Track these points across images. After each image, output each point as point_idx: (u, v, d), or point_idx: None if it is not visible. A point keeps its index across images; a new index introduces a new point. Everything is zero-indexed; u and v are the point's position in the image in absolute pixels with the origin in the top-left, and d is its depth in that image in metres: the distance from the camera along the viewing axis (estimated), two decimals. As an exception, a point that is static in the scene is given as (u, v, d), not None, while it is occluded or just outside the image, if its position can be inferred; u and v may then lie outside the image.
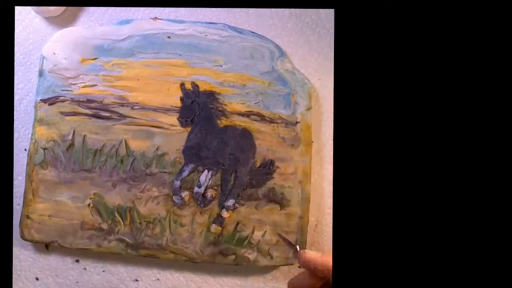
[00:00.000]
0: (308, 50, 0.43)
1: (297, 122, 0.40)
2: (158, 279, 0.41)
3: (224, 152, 0.39)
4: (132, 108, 0.39)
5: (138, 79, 0.40)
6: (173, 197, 0.39)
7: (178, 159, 0.39)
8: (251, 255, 0.39)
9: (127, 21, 0.41)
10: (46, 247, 0.40)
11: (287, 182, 0.40)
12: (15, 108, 0.41)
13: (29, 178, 0.38)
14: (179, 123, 0.39)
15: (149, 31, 0.40)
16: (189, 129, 0.39)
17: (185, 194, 0.39)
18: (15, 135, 0.41)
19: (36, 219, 0.38)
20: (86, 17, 0.42)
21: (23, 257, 0.40)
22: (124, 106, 0.39)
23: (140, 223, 0.38)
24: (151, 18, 0.41)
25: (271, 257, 0.39)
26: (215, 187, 0.39)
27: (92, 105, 0.39)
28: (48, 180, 0.38)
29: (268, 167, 0.40)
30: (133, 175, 0.39)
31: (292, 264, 0.40)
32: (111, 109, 0.39)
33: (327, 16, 0.43)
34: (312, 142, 0.41)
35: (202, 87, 0.40)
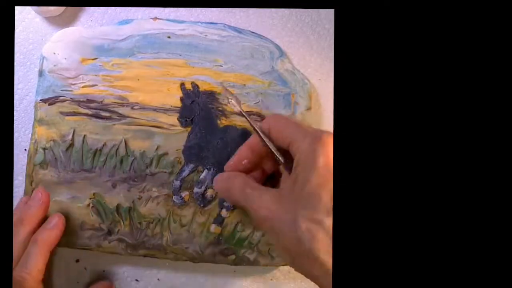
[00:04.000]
0: (308, 50, 0.43)
1: (297, 122, 0.40)
2: (158, 279, 0.41)
3: (224, 152, 0.39)
4: (132, 108, 0.39)
5: (138, 79, 0.40)
6: (173, 197, 0.39)
7: (178, 159, 0.39)
8: (251, 255, 0.39)
9: (127, 21, 0.41)
10: (46, 247, 0.40)
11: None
12: (15, 108, 0.41)
13: (29, 178, 0.38)
14: (179, 123, 0.39)
15: (149, 31, 0.40)
16: (189, 129, 0.39)
17: (185, 194, 0.39)
18: (15, 135, 0.41)
19: (36, 219, 0.38)
20: (86, 17, 0.42)
21: (23, 257, 0.40)
22: (124, 106, 0.39)
23: (140, 223, 0.38)
24: (151, 18, 0.41)
25: (271, 257, 0.39)
26: (215, 187, 0.39)
27: (92, 105, 0.39)
28: (48, 180, 0.38)
29: (268, 167, 0.40)
30: (133, 175, 0.39)
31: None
32: (111, 109, 0.39)
33: (327, 16, 0.43)
34: (312, 142, 0.41)
35: (202, 87, 0.40)
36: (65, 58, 0.40)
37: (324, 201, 0.26)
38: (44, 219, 0.37)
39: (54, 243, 0.35)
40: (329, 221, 0.26)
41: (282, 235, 0.28)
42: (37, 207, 0.36)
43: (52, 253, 0.39)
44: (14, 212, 0.37)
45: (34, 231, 0.35)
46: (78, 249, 0.38)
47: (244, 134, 0.40)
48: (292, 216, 0.27)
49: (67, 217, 0.38)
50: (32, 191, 0.38)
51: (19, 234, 0.35)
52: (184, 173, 0.39)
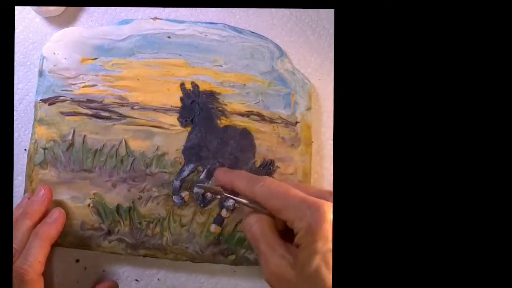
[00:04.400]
0: (308, 50, 0.43)
1: (297, 122, 0.40)
2: (158, 279, 0.41)
3: (224, 152, 0.39)
4: (132, 108, 0.39)
5: (138, 79, 0.40)
6: (173, 197, 0.39)
7: (178, 159, 0.39)
8: (251, 255, 0.39)
9: (127, 21, 0.41)
10: (46, 247, 0.40)
11: (287, 182, 0.39)
12: (15, 108, 0.41)
13: (29, 178, 0.38)
14: (179, 123, 0.39)
15: (149, 31, 0.40)
16: (189, 129, 0.39)
17: (185, 194, 0.39)
18: (15, 135, 0.41)
19: (36, 219, 0.38)
20: (86, 17, 0.42)
21: (23, 257, 0.40)
22: (124, 106, 0.39)
23: (140, 223, 0.38)
24: (151, 18, 0.41)
25: (271, 257, 0.39)
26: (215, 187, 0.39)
27: (92, 105, 0.39)
28: (48, 180, 0.38)
29: (268, 167, 0.40)
30: (133, 175, 0.39)
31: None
32: (111, 109, 0.39)
33: (327, 16, 0.43)
34: (312, 142, 0.41)
35: (202, 87, 0.40)
36: (65, 58, 0.40)
37: (325, 281, 0.26)
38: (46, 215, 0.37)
39: (55, 237, 0.36)
40: None
41: None
42: (39, 202, 0.36)
43: (52, 249, 0.39)
44: (16, 207, 0.37)
45: (36, 225, 0.36)
46: (78, 249, 0.38)
47: (244, 134, 0.40)
48: None
49: (67, 217, 0.38)
50: (32, 191, 0.38)
51: (21, 228, 0.35)
52: (184, 173, 0.39)
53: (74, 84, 0.39)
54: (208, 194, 0.39)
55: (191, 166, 0.39)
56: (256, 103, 0.40)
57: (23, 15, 0.42)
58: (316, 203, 0.28)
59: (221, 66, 0.40)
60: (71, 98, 0.39)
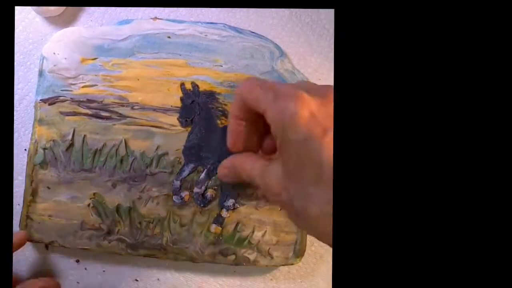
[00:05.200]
0: (308, 50, 0.43)
1: (297, 122, 0.40)
2: (158, 279, 0.41)
3: (224, 152, 0.39)
4: (132, 108, 0.39)
5: (138, 79, 0.40)
6: (173, 197, 0.39)
7: (178, 159, 0.39)
8: (251, 255, 0.39)
9: (127, 21, 0.41)
10: (46, 247, 0.40)
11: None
12: (15, 108, 0.41)
13: (29, 178, 0.38)
14: (179, 123, 0.39)
15: (149, 31, 0.40)
16: (189, 129, 0.39)
17: (185, 194, 0.39)
18: (15, 135, 0.41)
19: (36, 219, 0.38)
20: (86, 17, 0.42)
21: (23, 257, 0.40)
22: (124, 106, 0.39)
23: (140, 223, 0.38)
24: (151, 18, 0.41)
25: (271, 257, 0.39)
26: (215, 187, 0.39)
27: (92, 105, 0.39)
28: (48, 180, 0.38)
29: (268, 167, 0.40)
30: (133, 175, 0.39)
31: (292, 264, 0.40)
32: (111, 109, 0.39)
33: (327, 16, 0.43)
34: (312, 142, 0.41)
35: (202, 87, 0.40)
36: (65, 58, 0.40)
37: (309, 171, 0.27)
38: None
39: None
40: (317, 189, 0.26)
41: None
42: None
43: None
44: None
45: None
46: (78, 249, 0.38)
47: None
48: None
49: (67, 217, 0.38)
50: (32, 191, 0.38)
51: None
52: (184, 173, 0.39)
53: (74, 84, 0.39)
54: (208, 194, 0.39)
55: (191, 166, 0.39)
56: (256, 103, 0.40)
57: (23, 15, 0.42)
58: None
59: (221, 66, 0.40)
60: (71, 98, 0.39)
